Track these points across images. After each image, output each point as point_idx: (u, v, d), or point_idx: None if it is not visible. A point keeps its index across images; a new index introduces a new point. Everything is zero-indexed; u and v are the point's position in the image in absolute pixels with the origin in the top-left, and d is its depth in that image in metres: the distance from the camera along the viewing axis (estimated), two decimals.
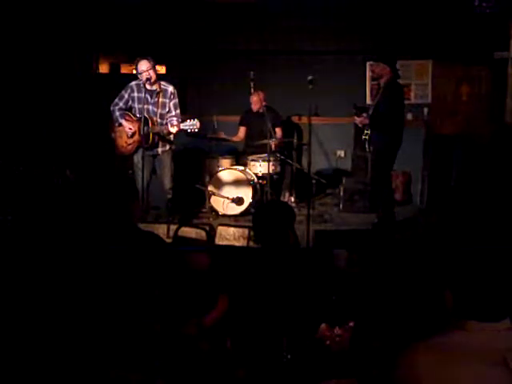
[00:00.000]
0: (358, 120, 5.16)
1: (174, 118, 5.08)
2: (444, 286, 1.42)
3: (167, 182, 5.21)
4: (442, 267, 1.45)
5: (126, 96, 5.11)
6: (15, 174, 5.39)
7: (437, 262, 1.58)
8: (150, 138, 4.98)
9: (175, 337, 1.73)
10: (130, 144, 5.12)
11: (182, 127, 4.90)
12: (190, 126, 4.88)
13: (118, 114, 5.12)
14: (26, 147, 5.80)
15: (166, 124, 5.04)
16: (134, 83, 5.11)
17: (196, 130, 4.92)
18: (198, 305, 1.81)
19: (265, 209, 2.83)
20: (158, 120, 5.06)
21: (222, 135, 6.25)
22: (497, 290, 1.34)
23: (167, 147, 5.19)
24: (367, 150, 5.16)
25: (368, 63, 6.86)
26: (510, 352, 1.29)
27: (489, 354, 1.29)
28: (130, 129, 5.06)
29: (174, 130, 4.91)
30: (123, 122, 5.10)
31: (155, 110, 5.07)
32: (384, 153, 5.03)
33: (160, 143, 5.14)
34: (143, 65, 4.92)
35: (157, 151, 5.16)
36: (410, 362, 1.35)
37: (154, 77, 4.95)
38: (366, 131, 5.09)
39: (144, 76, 4.91)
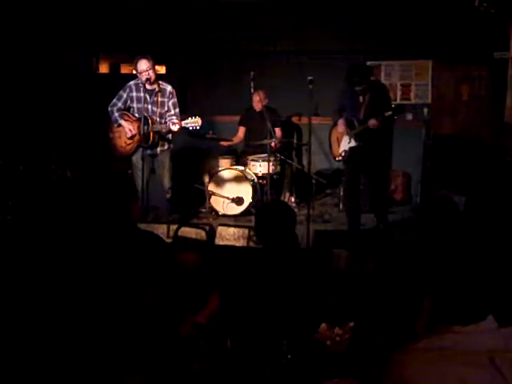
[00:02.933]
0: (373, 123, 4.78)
1: (174, 117, 5.07)
2: (423, 292, 1.43)
3: (166, 182, 5.21)
4: (420, 275, 1.46)
5: (125, 96, 5.11)
6: (15, 173, 5.39)
7: (416, 269, 1.59)
8: (150, 138, 4.98)
9: (171, 337, 1.73)
10: (129, 144, 5.12)
11: (183, 125, 4.89)
12: (191, 123, 4.87)
13: (116, 114, 5.11)
14: (25, 147, 5.80)
15: (165, 123, 5.04)
16: (132, 83, 5.10)
17: (197, 128, 4.91)
18: (188, 303, 1.81)
19: (267, 209, 2.83)
20: (157, 119, 5.06)
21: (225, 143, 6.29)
22: (474, 293, 1.35)
23: (166, 146, 5.19)
24: (343, 153, 5.01)
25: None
26: (496, 352, 1.30)
27: (475, 354, 1.30)
28: (130, 130, 5.05)
29: (175, 128, 4.91)
30: (123, 122, 5.09)
31: (154, 109, 5.07)
32: (385, 153, 5.05)
33: (159, 142, 5.14)
34: (143, 64, 4.91)
35: (156, 151, 5.16)
36: (398, 364, 1.36)
37: (153, 77, 4.95)
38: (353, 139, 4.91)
39: (144, 76, 4.91)
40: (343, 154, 5.05)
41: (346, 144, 5.02)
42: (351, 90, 4.92)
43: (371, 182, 5.17)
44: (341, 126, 4.97)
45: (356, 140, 4.92)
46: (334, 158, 5.24)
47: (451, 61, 6.60)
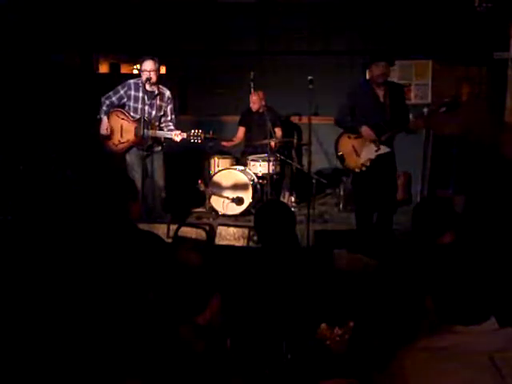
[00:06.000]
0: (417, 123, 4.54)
1: (171, 124, 5.16)
2: (425, 291, 1.43)
3: (161, 182, 5.23)
4: (423, 273, 1.47)
5: (122, 92, 5.09)
6: (15, 173, 5.39)
7: (418, 267, 1.58)
8: (147, 141, 4.98)
9: (170, 339, 1.72)
10: (122, 143, 5.10)
11: (185, 137, 4.94)
12: (193, 137, 4.94)
13: (105, 108, 5.09)
14: (25, 147, 5.80)
15: (160, 127, 5.08)
16: (132, 81, 5.10)
17: (199, 142, 4.98)
18: (190, 304, 1.81)
19: (264, 209, 2.83)
20: (153, 122, 5.07)
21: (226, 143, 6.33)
22: (476, 294, 1.36)
23: (160, 147, 5.21)
24: (368, 163, 4.54)
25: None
26: (497, 353, 1.30)
27: (476, 355, 1.30)
28: (107, 129, 5.07)
29: (178, 138, 4.97)
30: (104, 119, 5.08)
31: (152, 111, 5.07)
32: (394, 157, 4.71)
33: (153, 144, 5.15)
34: (148, 65, 4.92)
35: (150, 151, 5.15)
36: (399, 363, 1.36)
37: (154, 79, 4.95)
38: (379, 145, 4.51)
39: (144, 76, 4.91)
40: (368, 164, 4.54)
41: (371, 152, 4.55)
42: (358, 93, 4.62)
43: (387, 185, 4.71)
44: (368, 132, 4.50)
45: (385, 146, 4.52)
46: (351, 169, 4.67)
47: (451, 61, 6.60)
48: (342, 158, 4.71)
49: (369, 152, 4.55)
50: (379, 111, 4.54)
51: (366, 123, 4.51)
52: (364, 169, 4.56)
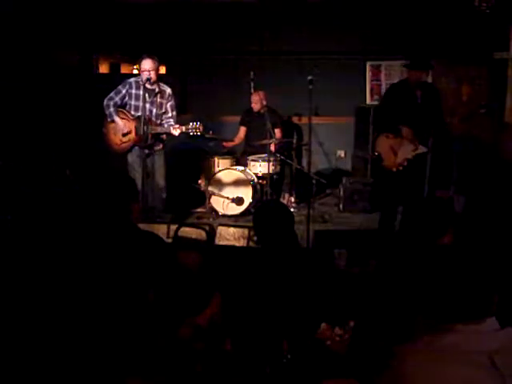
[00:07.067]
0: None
1: (171, 120, 5.12)
2: (425, 291, 1.43)
3: (161, 182, 5.22)
4: (422, 273, 1.47)
5: (124, 91, 5.09)
6: (15, 173, 5.39)
7: (418, 267, 1.58)
8: (148, 138, 4.98)
9: (170, 339, 1.73)
10: (124, 142, 5.10)
11: (184, 130, 4.92)
12: (192, 129, 4.90)
13: (112, 109, 5.07)
14: (25, 147, 5.80)
15: (161, 124, 5.06)
16: (132, 80, 5.10)
17: (199, 134, 4.94)
18: (190, 304, 1.81)
19: (263, 209, 2.83)
20: (153, 120, 5.07)
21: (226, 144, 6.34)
22: (477, 293, 1.36)
23: (160, 146, 5.20)
24: (405, 163, 4.54)
25: (368, 63, 6.87)
26: (497, 353, 1.30)
27: (475, 354, 1.30)
28: (125, 126, 5.03)
29: (176, 132, 4.93)
30: (117, 119, 5.07)
31: (152, 109, 5.07)
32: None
33: (154, 143, 5.15)
34: (147, 64, 4.92)
35: (151, 151, 5.16)
36: (399, 362, 1.36)
37: (154, 78, 4.96)
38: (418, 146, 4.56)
39: (144, 75, 4.92)
40: (405, 164, 4.58)
41: (409, 151, 4.59)
42: (396, 93, 4.62)
43: (419, 183, 4.79)
44: (407, 131, 4.55)
45: (423, 146, 4.58)
46: (389, 169, 4.68)
47: (451, 61, 6.60)
48: (379, 158, 4.74)
49: (406, 152, 4.59)
50: (417, 112, 4.57)
51: (404, 123, 4.55)
52: (401, 168, 4.59)
